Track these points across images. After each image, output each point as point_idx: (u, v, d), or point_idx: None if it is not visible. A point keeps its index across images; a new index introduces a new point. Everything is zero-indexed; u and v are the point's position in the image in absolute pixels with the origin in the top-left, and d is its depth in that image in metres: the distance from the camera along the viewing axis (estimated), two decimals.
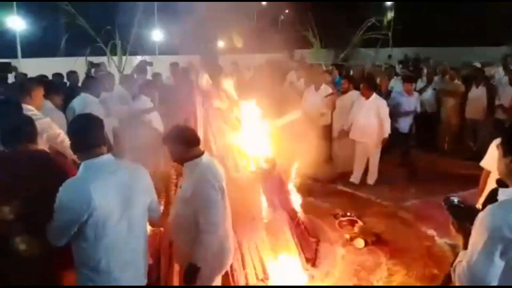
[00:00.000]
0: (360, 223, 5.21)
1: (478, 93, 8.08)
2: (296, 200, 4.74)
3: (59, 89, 5.15)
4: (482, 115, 8.08)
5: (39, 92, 3.94)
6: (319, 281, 4.12)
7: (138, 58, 9.14)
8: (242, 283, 3.85)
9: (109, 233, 2.27)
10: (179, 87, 5.25)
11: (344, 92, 6.96)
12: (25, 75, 7.24)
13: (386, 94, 9.02)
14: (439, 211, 5.03)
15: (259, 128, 4.46)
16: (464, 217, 1.98)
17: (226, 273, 3.80)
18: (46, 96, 4.23)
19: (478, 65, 9.18)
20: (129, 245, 2.39)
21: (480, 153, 7.09)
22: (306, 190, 6.27)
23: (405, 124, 7.21)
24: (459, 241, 1.99)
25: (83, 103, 5.09)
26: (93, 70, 7.66)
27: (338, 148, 7.10)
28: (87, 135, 2.33)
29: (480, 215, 1.77)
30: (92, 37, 10.06)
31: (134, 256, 2.44)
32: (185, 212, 2.81)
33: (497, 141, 3.26)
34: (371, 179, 6.78)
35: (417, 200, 6.13)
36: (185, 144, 2.85)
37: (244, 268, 3.90)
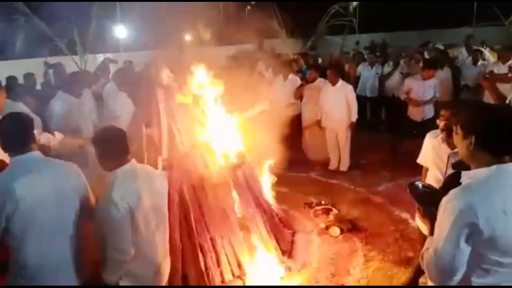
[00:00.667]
0: (335, 211, 5.20)
1: (443, 75, 8.16)
2: (269, 192, 4.66)
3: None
4: (449, 96, 8.20)
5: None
6: (296, 273, 4.06)
7: (101, 57, 8.83)
8: (218, 282, 3.76)
9: (36, 230, 2.23)
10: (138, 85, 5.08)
11: (312, 81, 6.91)
12: None
13: (354, 80, 9.11)
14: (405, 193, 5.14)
15: (226, 122, 4.35)
16: (429, 202, 1.92)
17: (201, 272, 3.72)
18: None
19: (441, 47, 9.32)
20: (58, 246, 2.34)
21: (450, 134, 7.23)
22: (279, 181, 6.25)
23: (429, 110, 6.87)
24: (426, 227, 1.94)
25: (64, 103, 4.87)
26: (50, 71, 7.32)
27: (308, 137, 7.07)
28: (15, 134, 2.34)
29: (444, 200, 1.71)
30: (49, 36, 9.63)
31: (63, 257, 2.35)
32: (95, 232, 2.41)
33: (431, 134, 3.21)
34: (344, 165, 6.79)
35: (390, 183, 6.16)
36: (104, 151, 2.43)
37: (218, 266, 3.80)
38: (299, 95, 7.00)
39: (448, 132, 2.91)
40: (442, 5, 20.31)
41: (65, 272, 2.37)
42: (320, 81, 6.85)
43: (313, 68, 7.18)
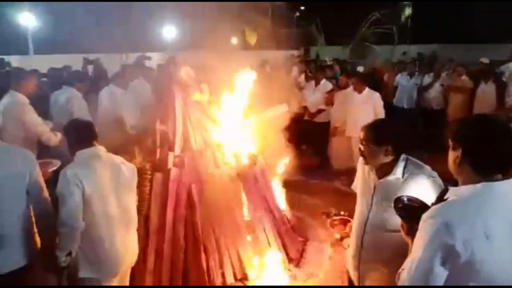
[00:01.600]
0: (352, 222, 4.99)
1: (486, 89, 7.72)
2: (282, 198, 4.56)
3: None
4: (491, 112, 7.73)
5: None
6: (301, 282, 3.93)
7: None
8: (219, 283, 3.70)
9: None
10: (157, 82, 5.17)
11: (343, 87, 6.73)
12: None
13: (392, 89, 8.79)
14: None
15: (241, 122, 4.30)
16: (413, 217, 1.76)
17: (202, 272, 3.68)
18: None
19: (486, 61, 8.80)
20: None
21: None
22: (300, 188, 6.14)
23: None
24: (409, 244, 1.77)
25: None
26: (90, 67, 7.64)
27: (334, 144, 6.87)
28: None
29: (423, 216, 1.55)
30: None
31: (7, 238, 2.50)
32: None
33: (361, 159, 2.58)
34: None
35: None
36: (68, 138, 2.79)
37: (221, 268, 3.75)
38: (329, 101, 6.83)
39: (365, 158, 2.41)
40: (498, 18, 19.34)
41: (7, 250, 2.53)
42: (350, 89, 6.66)
43: (345, 74, 6.98)
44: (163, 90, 4.20)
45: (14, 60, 13.21)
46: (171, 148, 3.96)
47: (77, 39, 10.23)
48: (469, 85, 8.01)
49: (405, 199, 1.87)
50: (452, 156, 1.60)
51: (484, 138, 1.52)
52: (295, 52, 11.57)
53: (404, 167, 2.29)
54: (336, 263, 4.26)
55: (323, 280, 3.96)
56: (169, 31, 18.44)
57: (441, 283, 1.48)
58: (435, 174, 2.27)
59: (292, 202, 5.58)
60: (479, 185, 1.50)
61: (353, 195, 6.19)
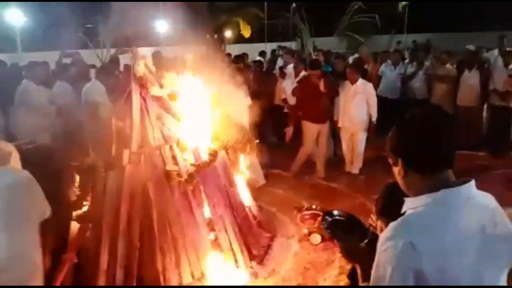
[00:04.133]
0: None
1: (470, 77, 7.57)
2: (246, 193, 4.47)
3: None
4: (475, 101, 7.60)
5: None
6: (261, 280, 3.85)
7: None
8: (175, 283, 3.62)
9: None
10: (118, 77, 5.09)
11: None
12: None
13: (376, 80, 8.62)
14: None
15: (203, 117, 4.19)
16: (344, 234, 1.62)
17: (157, 273, 3.61)
18: None
19: (472, 48, 8.62)
20: None
21: (473, 142, 6.66)
22: (276, 182, 6.05)
23: None
24: (357, 269, 1.59)
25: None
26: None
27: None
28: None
29: (382, 236, 1.33)
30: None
31: None
32: None
33: None
34: (356, 168, 6.47)
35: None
36: None
37: (177, 267, 3.67)
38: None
39: None
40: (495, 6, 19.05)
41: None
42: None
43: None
44: (121, 85, 4.09)
45: (2, 57, 13.15)
46: (128, 145, 3.87)
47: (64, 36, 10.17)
48: (452, 73, 7.86)
49: (335, 213, 1.75)
50: (396, 172, 1.43)
51: (416, 134, 1.36)
52: (283, 44, 11.44)
53: None
54: (301, 259, 4.19)
55: (284, 278, 3.88)
56: (160, 26, 18.27)
57: None
58: None
59: (264, 197, 5.53)
60: (439, 193, 1.31)
61: (330, 188, 6.14)
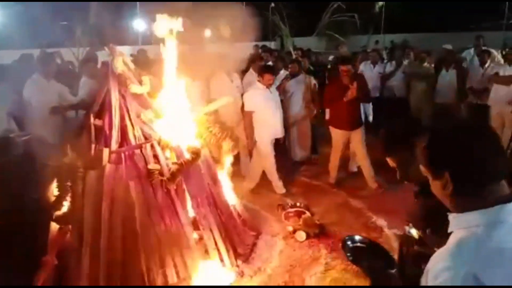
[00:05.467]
0: (307, 214, 4.88)
1: (448, 76, 7.71)
2: (229, 191, 4.41)
3: None
4: (453, 99, 7.73)
5: None
6: (248, 278, 3.80)
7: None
8: (160, 283, 3.54)
9: None
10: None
11: (292, 75, 6.63)
12: None
13: None
14: (393, 200, 4.78)
15: (185, 115, 4.12)
16: (366, 261, 1.57)
17: (141, 272, 3.52)
18: None
19: (449, 47, 8.80)
20: None
21: None
22: (260, 180, 5.99)
23: None
24: None
25: None
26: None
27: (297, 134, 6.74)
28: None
29: (436, 265, 1.16)
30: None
31: None
32: None
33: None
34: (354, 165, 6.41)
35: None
36: None
37: (162, 267, 3.58)
38: (281, 89, 6.59)
39: None
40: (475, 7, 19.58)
41: None
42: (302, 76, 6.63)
43: (295, 62, 6.92)
44: (100, 82, 3.99)
45: None
46: (107, 144, 3.77)
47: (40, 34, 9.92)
48: (431, 71, 7.99)
49: (356, 238, 1.73)
50: (439, 186, 1.25)
51: (465, 142, 1.20)
52: (262, 44, 11.45)
53: None
54: (286, 257, 4.16)
55: (270, 276, 3.84)
56: (139, 25, 18.13)
57: None
58: None
59: (248, 195, 5.49)
60: (494, 209, 1.14)
61: (314, 186, 6.12)
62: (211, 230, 3.89)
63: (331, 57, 10.53)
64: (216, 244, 3.87)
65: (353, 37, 17.99)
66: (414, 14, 22.03)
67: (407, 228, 1.92)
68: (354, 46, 14.36)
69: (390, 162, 2.03)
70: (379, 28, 21.29)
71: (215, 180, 4.19)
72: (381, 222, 4.80)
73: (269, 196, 5.63)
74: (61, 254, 3.45)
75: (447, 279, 1.10)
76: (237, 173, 5.21)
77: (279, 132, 5.67)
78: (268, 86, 5.48)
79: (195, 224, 3.91)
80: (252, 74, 6.40)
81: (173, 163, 3.83)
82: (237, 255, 4.01)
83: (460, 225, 1.20)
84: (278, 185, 5.69)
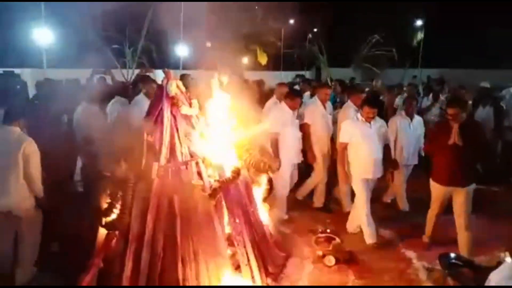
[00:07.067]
0: (337, 240, 5.01)
1: (484, 113, 7.74)
2: (263, 212, 4.62)
3: None
4: (489, 137, 7.71)
5: None
6: None
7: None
8: None
9: None
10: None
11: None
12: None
13: (391, 111, 8.80)
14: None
15: (228, 137, 4.41)
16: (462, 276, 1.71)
17: (177, 283, 3.74)
18: None
19: (487, 85, 8.83)
20: None
21: (488, 177, 6.73)
22: (291, 204, 6.17)
23: None
24: None
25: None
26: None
27: None
28: None
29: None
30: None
31: None
32: None
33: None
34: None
35: (406, 220, 5.86)
36: None
37: (197, 278, 3.80)
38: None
39: None
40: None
41: None
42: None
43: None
44: (154, 103, 4.34)
45: (27, 73, 13.73)
46: (157, 159, 4.08)
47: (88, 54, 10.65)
48: (468, 108, 8.01)
49: (452, 256, 1.84)
50: None
51: None
52: (297, 73, 11.78)
53: None
54: (314, 280, 4.30)
55: None
56: (182, 50, 18.87)
57: None
58: None
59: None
60: None
61: (344, 213, 6.24)
62: (245, 247, 4.09)
63: (366, 89, 10.71)
64: (248, 260, 4.07)
65: (390, 71, 18.14)
66: (452, 49, 21.94)
67: (502, 255, 1.94)
68: (388, 79, 14.49)
69: None
70: (417, 62, 21.33)
71: (251, 200, 4.42)
72: (410, 253, 4.86)
73: (300, 220, 5.80)
74: (106, 258, 3.76)
75: None
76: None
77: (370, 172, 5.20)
78: (367, 119, 5.13)
79: (230, 240, 4.13)
80: (275, 102, 6.56)
81: (214, 181, 4.10)
82: (267, 274, 4.18)
83: None
84: (368, 232, 5.14)
